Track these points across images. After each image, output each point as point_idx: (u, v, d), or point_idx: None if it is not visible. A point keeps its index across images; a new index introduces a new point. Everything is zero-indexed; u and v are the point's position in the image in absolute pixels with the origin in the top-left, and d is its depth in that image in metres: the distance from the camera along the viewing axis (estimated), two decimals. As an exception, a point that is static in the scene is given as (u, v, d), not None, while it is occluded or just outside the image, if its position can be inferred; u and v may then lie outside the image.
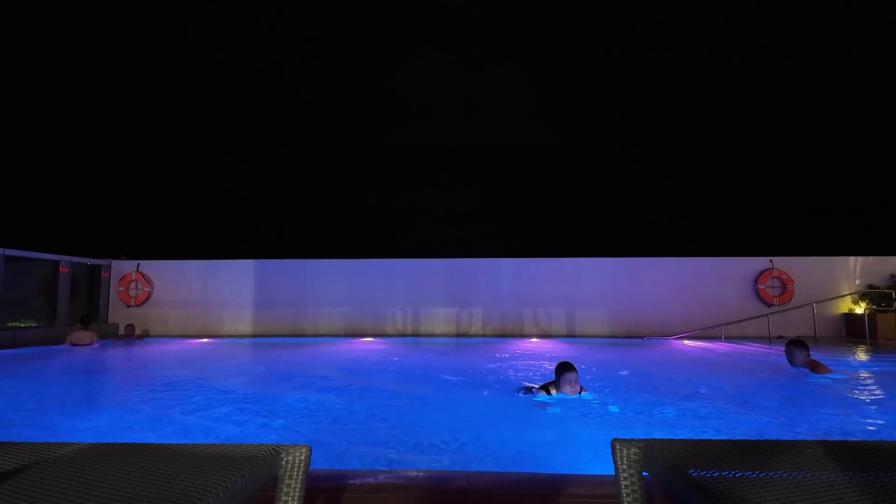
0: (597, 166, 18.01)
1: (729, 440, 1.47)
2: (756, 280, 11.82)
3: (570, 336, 11.93)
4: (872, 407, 4.77)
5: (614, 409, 4.47)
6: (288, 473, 1.37)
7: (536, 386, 4.89)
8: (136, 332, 11.90)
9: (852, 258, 11.80)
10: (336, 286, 12.82)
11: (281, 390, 5.57)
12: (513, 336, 11.96)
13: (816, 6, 15.55)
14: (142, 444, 1.45)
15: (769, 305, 11.58)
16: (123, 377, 7.27)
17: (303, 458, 1.39)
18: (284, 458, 1.38)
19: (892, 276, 11.38)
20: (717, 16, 16.42)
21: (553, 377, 4.73)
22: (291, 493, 1.35)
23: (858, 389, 5.44)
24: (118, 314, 12.84)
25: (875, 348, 9.28)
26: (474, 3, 16.85)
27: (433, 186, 18.52)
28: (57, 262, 11.56)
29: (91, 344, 9.73)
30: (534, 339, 11.40)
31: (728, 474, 1.19)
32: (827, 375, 5.65)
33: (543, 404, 4.49)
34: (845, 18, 15.60)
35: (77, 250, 12.28)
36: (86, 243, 13.97)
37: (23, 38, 15.82)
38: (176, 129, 18.03)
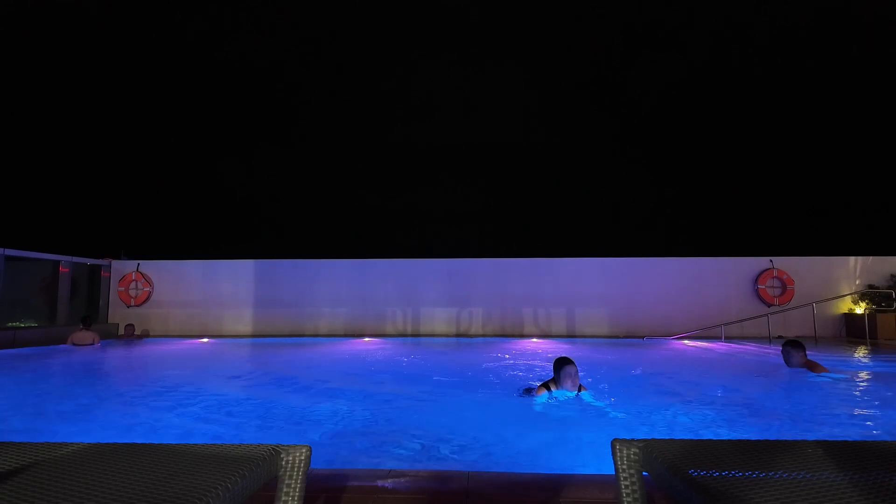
0: (597, 166, 18.01)
1: (729, 440, 1.47)
2: (756, 280, 11.82)
3: (570, 336, 11.93)
4: (870, 407, 4.77)
5: (614, 409, 4.47)
6: (288, 473, 1.37)
7: (536, 385, 4.87)
8: (136, 332, 11.90)
9: (852, 258, 11.80)
10: (336, 286, 12.82)
11: (281, 390, 5.57)
12: (513, 336, 11.96)
13: (816, 6, 15.55)
14: (142, 444, 1.45)
15: (769, 305, 11.58)
16: (125, 377, 7.27)
17: (303, 458, 1.39)
18: (284, 458, 1.38)
19: (892, 276, 11.38)
20: (717, 16, 16.42)
21: (551, 376, 4.72)
22: (291, 493, 1.35)
23: (855, 389, 5.44)
24: (118, 314, 12.84)
25: (875, 348, 9.28)
26: (474, 3, 16.85)
27: (433, 186, 18.52)
28: (57, 262, 11.56)
29: (92, 344, 9.75)
30: (534, 339, 11.40)
31: (728, 474, 1.19)
32: (824, 375, 5.64)
33: (544, 403, 4.48)
34: (845, 18, 15.60)
35: (77, 250, 12.28)
36: (86, 243, 13.98)
37: (23, 38, 15.82)
38: (176, 129, 18.03)
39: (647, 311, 12.01)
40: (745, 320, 11.22)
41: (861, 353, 8.64)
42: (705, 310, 11.72)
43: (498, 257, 12.85)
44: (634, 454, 1.40)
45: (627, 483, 1.39)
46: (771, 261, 11.88)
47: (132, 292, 12.90)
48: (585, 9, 16.67)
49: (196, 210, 18.25)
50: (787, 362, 5.95)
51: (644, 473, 1.40)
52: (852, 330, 11.09)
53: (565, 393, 4.54)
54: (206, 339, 11.78)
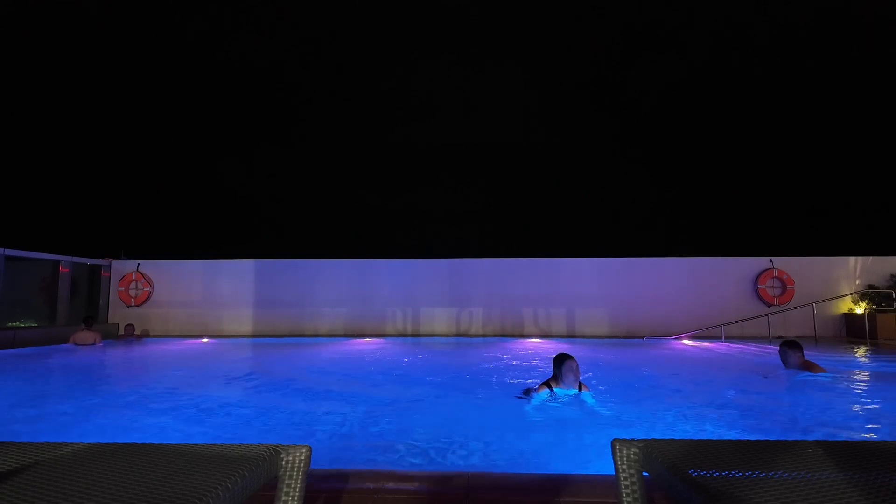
0: (597, 166, 18.01)
1: (729, 440, 1.47)
2: (756, 280, 11.82)
3: (570, 336, 11.93)
4: (866, 407, 4.77)
5: (614, 409, 4.46)
6: (288, 473, 1.37)
7: (535, 386, 4.85)
8: (136, 332, 11.90)
9: (852, 258, 11.79)
10: (336, 286, 12.82)
11: (281, 391, 5.57)
12: (513, 336, 11.96)
13: (816, 6, 15.55)
14: (142, 444, 1.45)
15: (769, 305, 11.58)
16: (128, 377, 7.27)
17: (303, 458, 1.39)
18: (284, 458, 1.38)
19: (892, 276, 11.38)
20: (717, 16, 16.41)
21: (548, 378, 4.70)
22: (291, 493, 1.35)
23: (854, 390, 5.44)
24: (118, 314, 12.84)
25: (875, 348, 9.28)
26: (474, 3, 16.85)
27: (433, 186, 18.52)
28: (57, 262, 11.56)
29: (94, 344, 9.78)
30: (534, 340, 11.40)
31: (728, 474, 1.19)
32: (821, 375, 5.62)
33: (544, 402, 4.47)
34: (845, 18, 15.60)
35: (77, 250, 12.28)
36: (86, 243, 13.97)
37: (23, 38, 15.81)
38: (176, 129, 18.02)
39: (647, 311, 12.01)
40: (745, 320, 11.22)
41: (861, 354, 8.64)
42: (705, 310, 11.72)
43: (498, 257, 12.84)
44: (634, 454, 1.40)
45: (627, 483, 1.39)
46: (771, 261, 11.87)
47: (132, 292, 12.90)
48: (585, 9, 16.67)
49: (196, 210, 18.25)
50: (785, 363, 5.92)
51: (644, 473, 1.40)
52: (852, 330, 11.09)
53: (567, 392, 4.52)
54: (206, 339, 11.78)
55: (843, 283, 11.67)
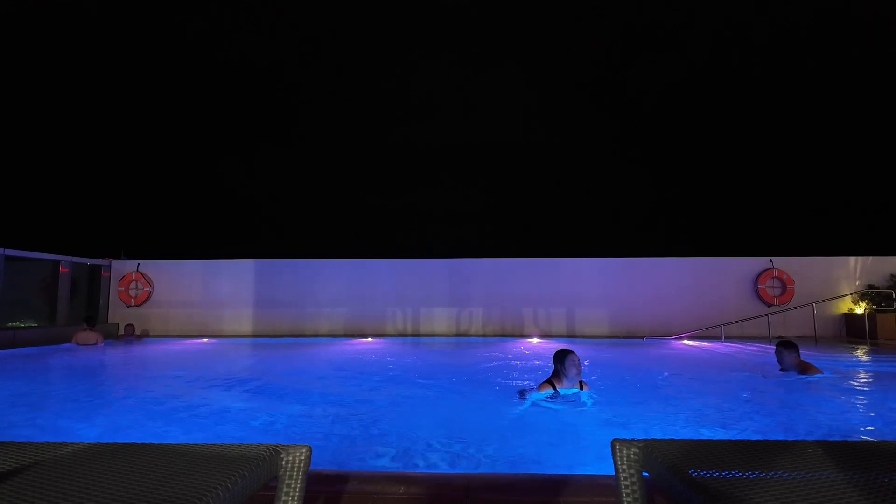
0: (597, 166, 18.01)
1: (729, 440, 1.47)
2: (756, 280, 11.82)
3: (570, 336, 11.93)
4: (862, 407, 4.77)
5: (614, 409, 4.46)
6: (288, 473, 1.37)
7: (531, 386, 4.83)
8: (136, 332, 11.91)
9: (852, 258, 11.79)
10: (336, 286, 12.82)
11: (281, 391, 5.57)
12: (513, 336, 11.96)
13: (816, 6, 15.55)
14: (142, 444, 1.45)
15: (769, 305, 11.58)
16: (129, 377, 7.28)
17: (303, 458, 1.39)
18: (284, 458, 1.38)
19: (892, 276, 11.38)
20: (717, 16, 16.41)
21: (551, 374, 4.67)
22: (291, 493, 1.35)
23: (848, 390, 5.43)
24: (118, 314, 12.84)
25: (875, 348, 9.28)
26: (474, 3, 16.85)
27: (433, 186, 18.52)
28: (57, 262, 11.56)
29: (96, 344, 9.80)
30: (534, 340, 11.40)
31: (728, 474, 1.19)
32: (817, 376, 5.59)
33: (544, 401, 4.46)
34: (845, 18, 15.60)
35: (77, 250, 12.28)
36: (86, 243, 13.98)
37: (23, 38, 15.82)
38: (176, 129, 18.03)
39: (647, 311, 12.01)
40: (745, 320, 11.22)
41: (861, 354, 8.65)
42: (705, 310, 11.72)
43: (498, 257, 12.84)
44: (634, 454, 1.40)
45: (627, 483, 1.39)
46: (771, 261, 11.87)
47: (132, 292, 12.90)
48: (585, 9, 16.67)
49: (196, 210, 18.25)
50: (780, 363, 5.85)
51: (644, 473, 1.40)
52: (852, 330, 11.09)
53: (569, 391, 4.51)
54: (206, 339, 11.78)
55: (843, 283, 11.66)
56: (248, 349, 10.45)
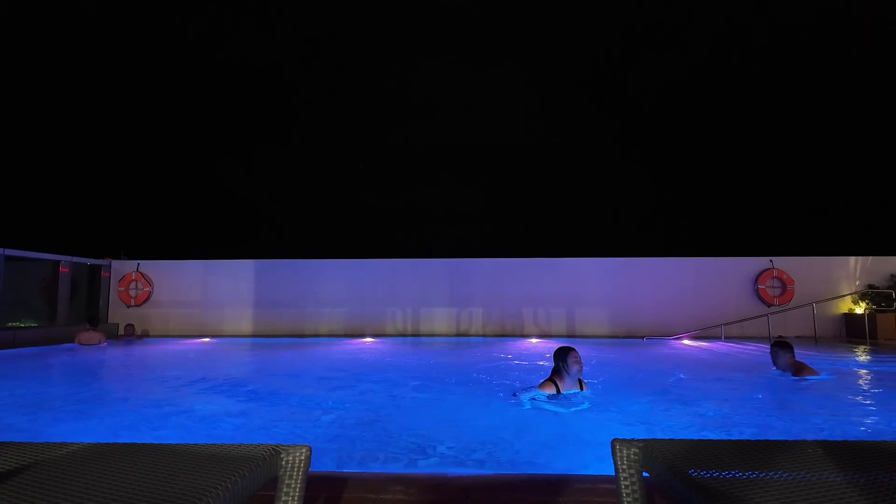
0: (597, 166, 18.00)
1: (729, 440, 1.47)
2: (756, 280, 11.82)
3: (570, 336, 11.93)
4: (857, 408, 4.76)
5: (614, 409, 4.46)
6: (288, 473, 1.36)
7: (527, 388, 4.82)
8: (136, 332, 11.92)
9: (852, 258, 11.80)
10: (336, 286, 12.82)
11: (282, 390, 5.57)
12: (513, 336, 11.97)
13: (816, 6, 15.54)
14: (142, 444, 1.45)
15: (769, 305, 11.58)
16: (130, 377, 7.28)
17: (303, 458, 1.38)
18: (284, 459, 1.38)
19: (892, 276, 11.38)
20: (717, 16, 16.41)
21: (550, 374, 4.67)
22: (291, 494, 1.35)
23: (843, 391, 5.41)
24: (118, 314, 12.85)
25: (875, 348, 9.28)
26: (474, 3, 16.85)
27: (433, 186, 18.51)
28: (57, 262, 11.56)
29: (99, 344, 9.82)
30: (534, 340, 11.40)
31: (728, 474, 1.19)
32: (813, 378, 5.54)
33: (544, 401, 4.46)
34: (845, 18, 15.59)
35: (77, 250, 12.28)
36: (86, 243, 13.97)
37: (23, 38, 15.81)
38: (176, 129, 18.02)
39: (647, 310, 12.01)
40: (745, 320, 11.22)
41: (860, 354, 8.64)
42: (705, 310, 11.72)
43: (498, 257, 12.85)
44: (634, 454, 1.40)
45: (627, 483, 1.39)
46: (771, 261, 11.87)
47: (132, 292, 12.90)
48: (585, 9, 16.66)
49: (196, 210, 18.24)
50: (775, 363, 5.82)
51: (644, 473, 1.40)
52: (852, 330, 11.09)
53: (570, 391, 4.51)
54: (206, 339, 11.78)
55: (843, 283, 11.67)
56: (248, 349, 10.45)
